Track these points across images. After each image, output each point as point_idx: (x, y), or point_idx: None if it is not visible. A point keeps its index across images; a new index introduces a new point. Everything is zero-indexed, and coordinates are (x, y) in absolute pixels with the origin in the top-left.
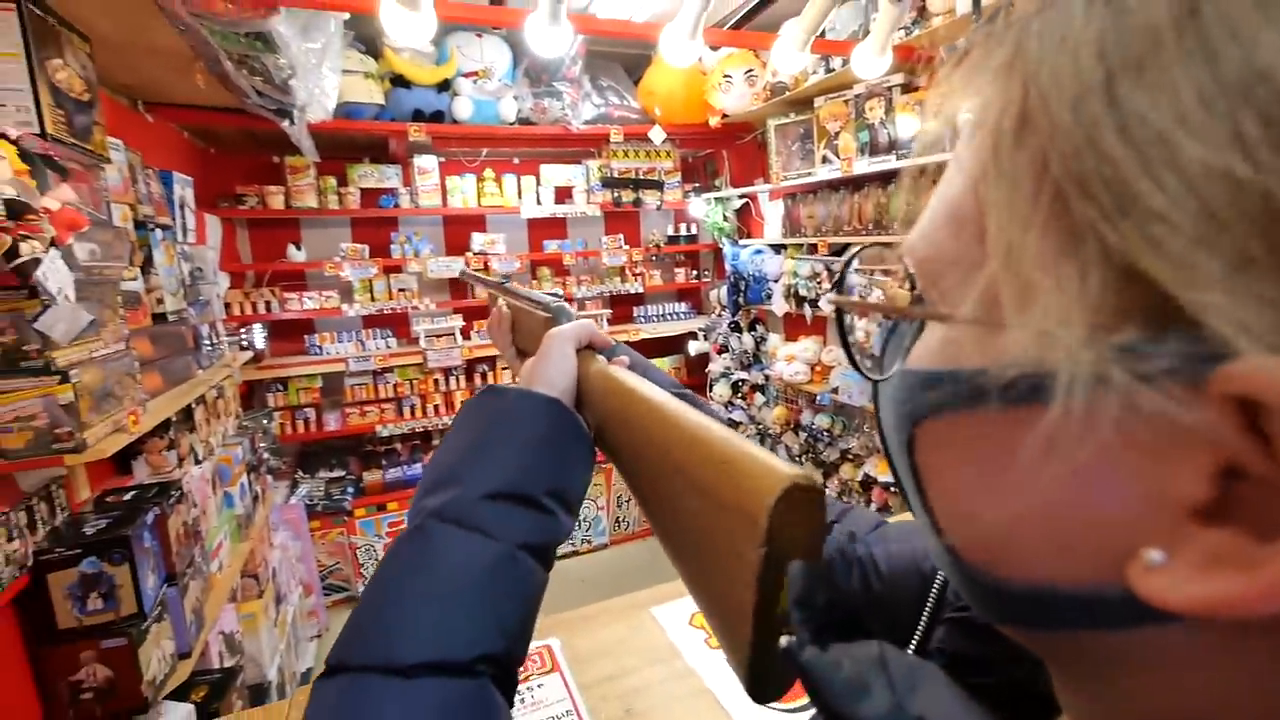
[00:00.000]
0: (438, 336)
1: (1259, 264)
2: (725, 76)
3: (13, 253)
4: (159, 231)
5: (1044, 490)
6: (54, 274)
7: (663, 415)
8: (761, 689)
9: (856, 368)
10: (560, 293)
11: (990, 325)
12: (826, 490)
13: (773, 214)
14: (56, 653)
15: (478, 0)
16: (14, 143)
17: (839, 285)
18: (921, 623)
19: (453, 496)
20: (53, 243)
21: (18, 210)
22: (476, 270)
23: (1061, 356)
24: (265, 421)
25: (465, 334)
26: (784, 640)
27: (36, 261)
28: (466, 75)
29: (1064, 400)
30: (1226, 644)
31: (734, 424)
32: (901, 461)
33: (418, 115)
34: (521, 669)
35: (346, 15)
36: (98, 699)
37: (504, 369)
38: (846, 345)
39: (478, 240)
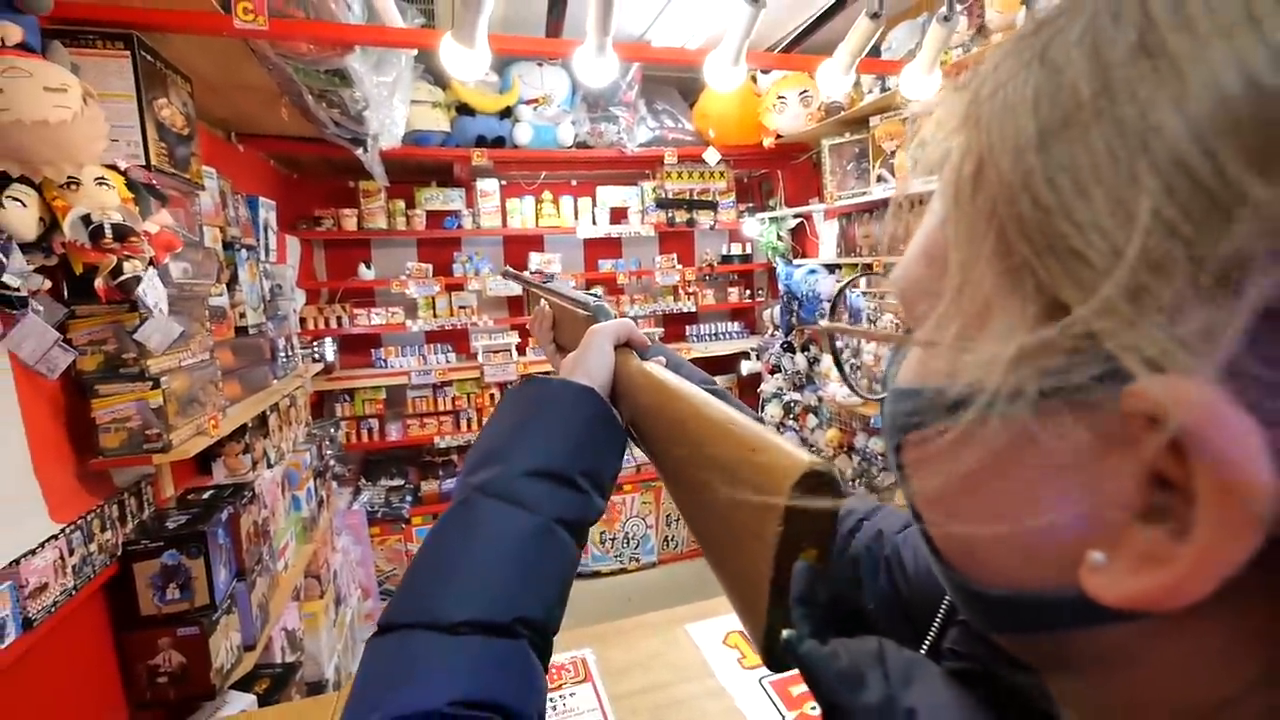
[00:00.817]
0: (495, 352)
1: (1151, 294)
2: (780, 98)
3: (117, 271)
4: (244, 251)
5: (1000, 502)
6: (152, 290)
7: (695, 409)
8: (776, 658)
9: (849, 385)
10: (600, 292)
11: (940, 348)
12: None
13: (828, 234)
14: (137, 637)
15: (534, 33)
16: (123, 174)
17: (831, 311)
18: (935, 623)
19: (496, 473)
20: (151, 262)
21: (123, 233)
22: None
23: (998, 379)
24: (333, 430)
25: (521, 350)
26: (785, 634)
27: (137, 279)
28: (527, 102)
29: (1001, 418)
30: (1171, 636)
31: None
32: (897, 473)
33: (481, 141)
34: (555, 678)
35: (415, 51)
36: (171, 683)
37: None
38: (839, 364)
39: (535, 259)
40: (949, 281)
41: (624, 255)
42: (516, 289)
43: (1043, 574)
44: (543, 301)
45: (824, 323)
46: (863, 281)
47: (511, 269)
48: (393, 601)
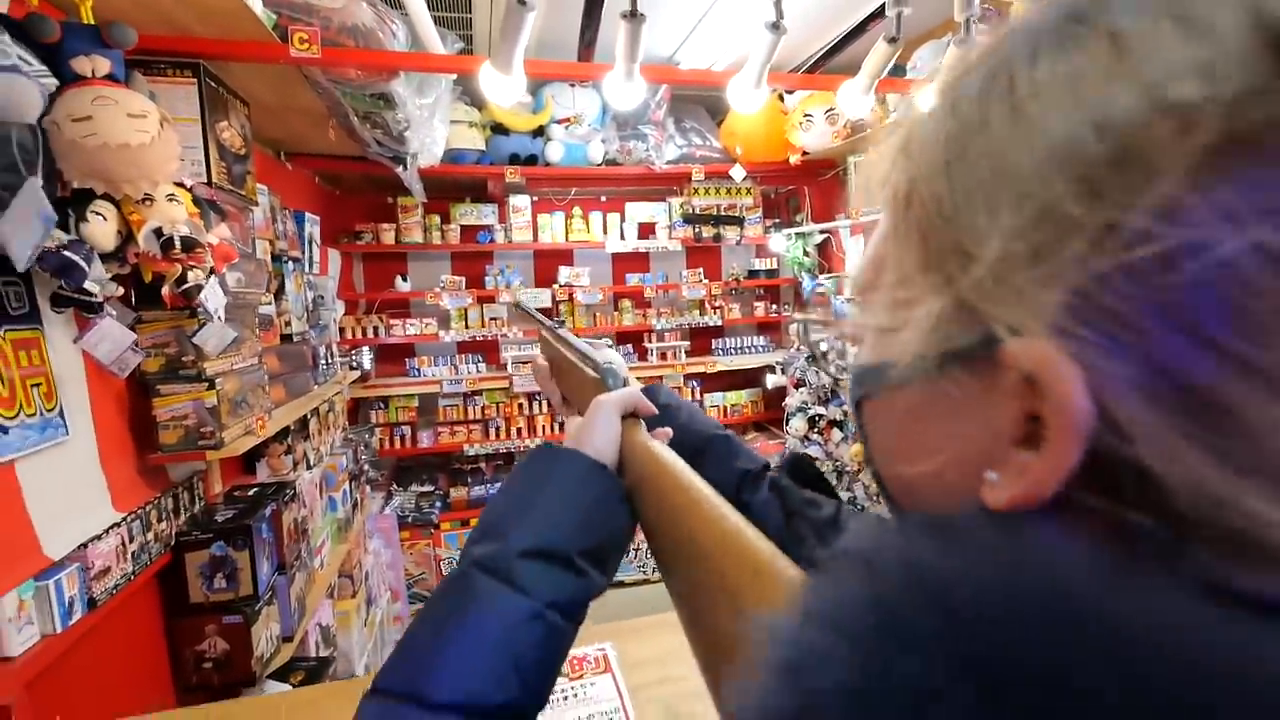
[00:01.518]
0: (524, 363)
1: (1009, 280)
2: (806, 116)
3: (181, 279)
4: (290, 263)
5: (926, 445)
6: (212, 297)
7: (692, 501)
8: None
9: (820, 367)
10: (610, 343)
11: (883, 332)
12: None
13: (854, 249)
14: (186, 624)
15: (567, 53)
16: (189, 190)
17: (804, 304)
18: None
19: (496, 549)
20: (211, 271)
21: (189, 245)
22: (542, 316)
23: (916, 349)
24: (368, 436)
25: None
26: None
27: (199, 287)
28: (559, 122)
29: (921, 380)
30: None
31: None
32: (861, 434)
33: (514, 159)
34: (576, 669)
35: (454, 75)
36: (215, 669)
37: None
38: (813, 352)
39: (564, 273)
40: (887, 279)
41: (651, 269)
42: (543, 300)
43: (958, 500)
44: (539, 356)
45: (798, 315)
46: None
47: (523, 304)
48: (388, 664)
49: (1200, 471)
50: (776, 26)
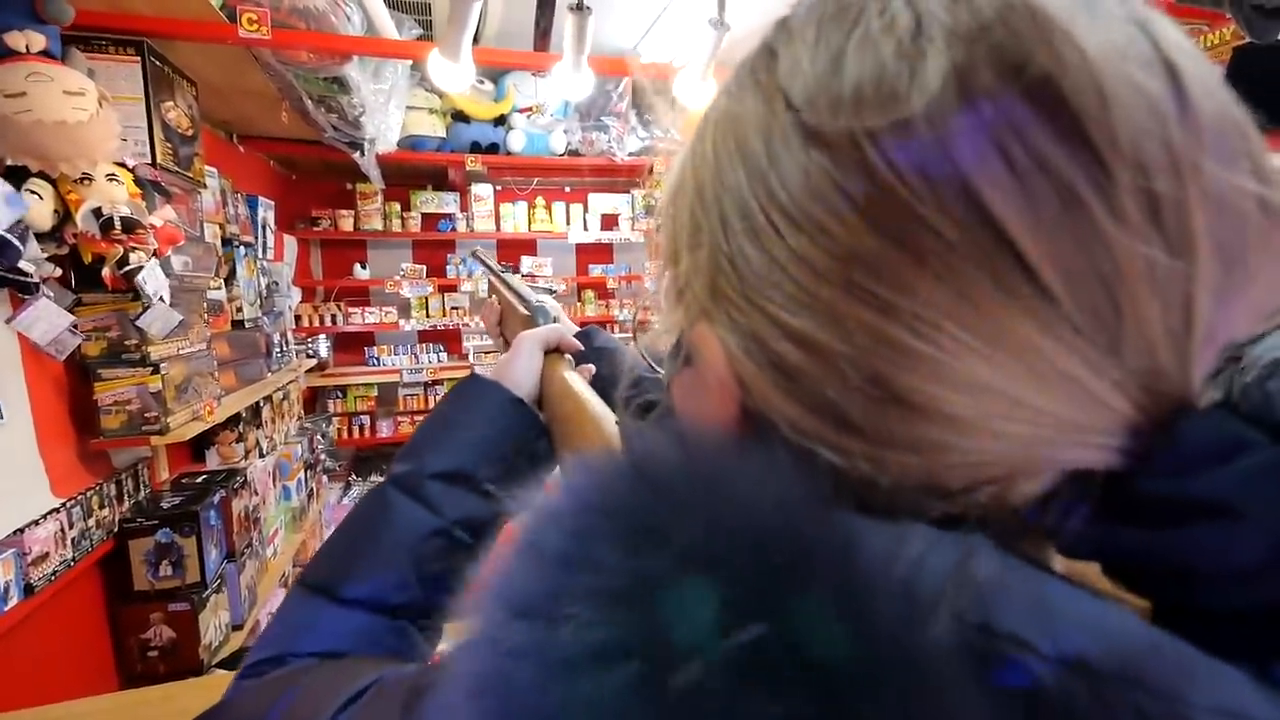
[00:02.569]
0: (485, 353)
1: (691, 284)
2: None
3: (123, 261)
4: (243, 248)
5: (696, 405)
6: (153, 280)
7: (597, 430)
8: None
9: (646, 361)
10: (556, 289)
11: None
12: None
13: None
14: (130, 611)
15: (528, 43)
16: (131, 170)
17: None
18: None
19: (411, 468)
20: (154, 254)
21: (129, 226)
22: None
23: (671, 338)
24: (324, 425)
25: None
26: None
27: (140, 269)
28: (521, 111)
29: (678, 361)
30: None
31: None
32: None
33: (475, 147)
34: None
35: (410, 61)
36: (161, 657)
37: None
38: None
39: (527, 263)
40: (662, 282)
41: (615, 261)
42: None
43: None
44: (493, 297)
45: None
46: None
47: (480, 252)
48: (313, 561)
49: (786, 411)
50: (719, 24)
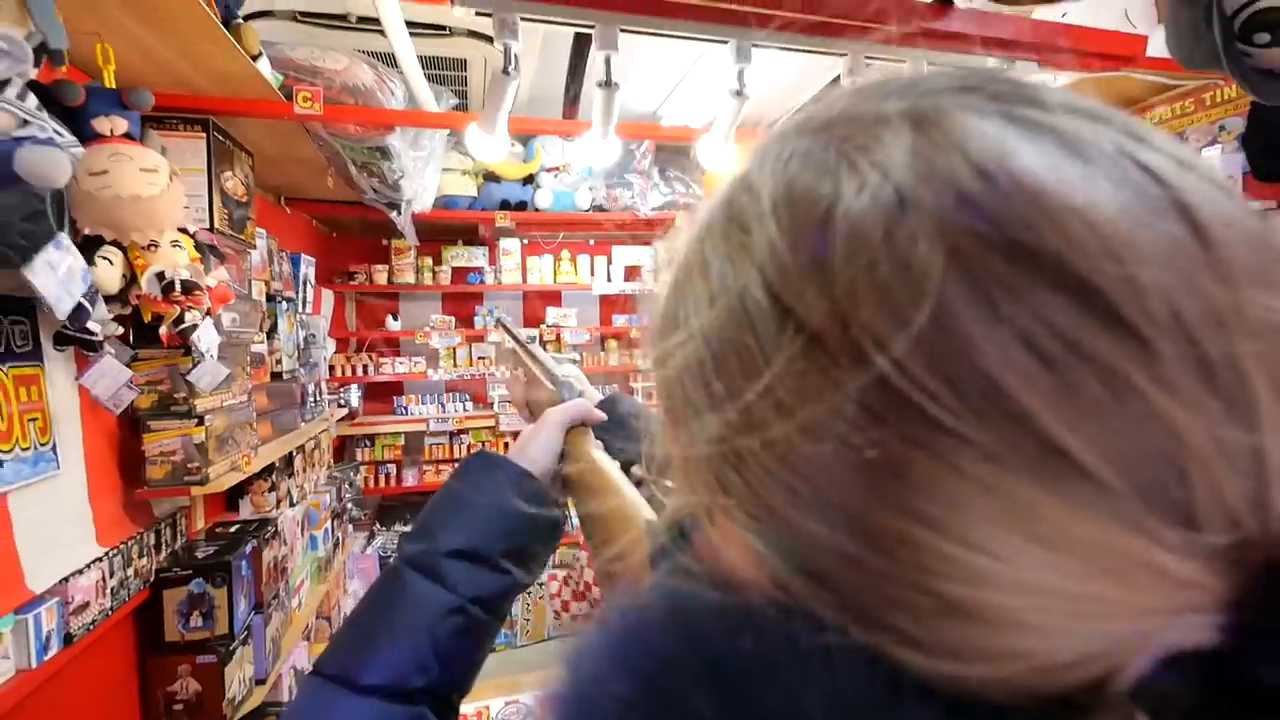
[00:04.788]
0: (510, 402)
1: (701, 462)
2: None
3: (179, 320)
4: (284, 303)
5: (725, 570)
6: (207, 337)
7: (618, 504)
8: None
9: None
10: (578, 358)
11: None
12: None
13: None
14: (160, 663)
15: (555, 106)
16: (192, 236)
17: None
18: None
19: (425, 547)
20: (207, 312)
21: (189, 288)
22: (522, 334)
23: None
24: (352, 474)
25: None
26: None
27: (195, 327)
28: (548, 170)
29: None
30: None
31: None
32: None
33: (505, 204)
34: None
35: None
36: (186, 711)
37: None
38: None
39: (552, 314)
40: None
41: (638, 311)
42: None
43: None
44: (519, 370)
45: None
46: None
47: (504, 320)
48: (328, 648)
49: (831, 616)
50: (739, 93)
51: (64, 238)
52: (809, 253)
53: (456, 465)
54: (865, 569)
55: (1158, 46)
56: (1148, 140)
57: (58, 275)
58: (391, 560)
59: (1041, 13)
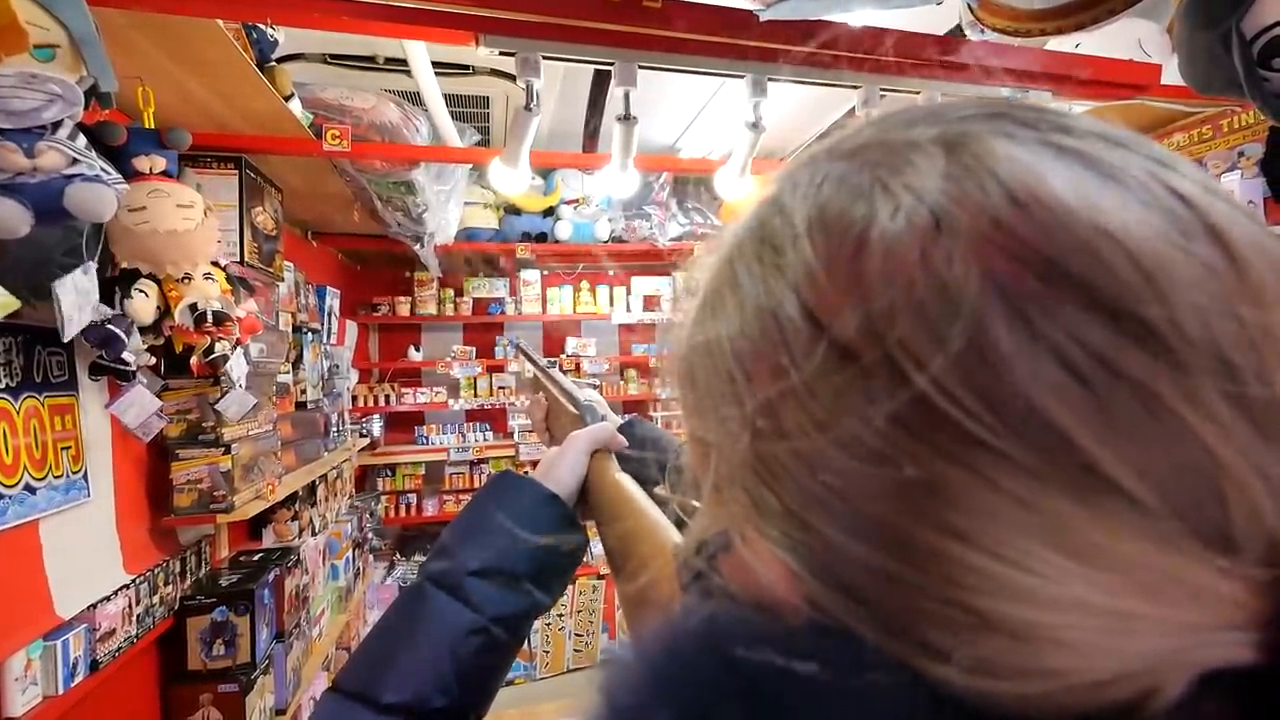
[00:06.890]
0: (529, 431)
1: (731, 476)
2: None
3: (209, 350)
4: (310, 334)
5: (755, 592)
6: (236, 367)
7: (641, 527)
8: None
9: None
10: (598, 384)
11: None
12: None
13: None
14: (182, 692)
15: (575, 139)
16: (224, 269)
17: None
18: None
19: (449, 566)
20: (237, 343)
21: (220, 319)
22: (541, 359)
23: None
24: (373, 504)
25: None
26: None
27: (225, 357)
28: (568, 202)
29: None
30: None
31: None
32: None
33: (525, 236)
34: None
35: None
36: None
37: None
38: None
39: (572, 344)
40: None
41: (656, 340)
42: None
43: None
44: (541, 394)
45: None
46: None
47: (524, 346)
48: (347, 665)
49: (867, 633)
50: (755, 126)
51: (91, 266)
52: (845, 273)
53: (481, 485)
54: (903, 585)
55: (1172, 74)
56: (1175, 166)
57: (77, 298)
58: (414, 578)
59: (1055, 44)
